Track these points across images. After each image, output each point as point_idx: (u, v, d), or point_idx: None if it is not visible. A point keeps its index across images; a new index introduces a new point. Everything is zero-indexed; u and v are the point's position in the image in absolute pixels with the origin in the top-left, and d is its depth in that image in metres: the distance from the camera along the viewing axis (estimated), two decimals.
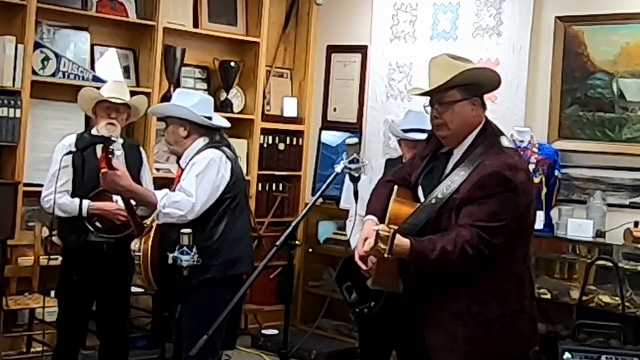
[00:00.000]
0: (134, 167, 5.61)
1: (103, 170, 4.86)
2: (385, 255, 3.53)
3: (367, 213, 4.08)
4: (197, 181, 4.91)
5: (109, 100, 5.49)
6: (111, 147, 4.82)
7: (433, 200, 3.82)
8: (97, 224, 5.39)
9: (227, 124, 5.35)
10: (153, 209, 4.95)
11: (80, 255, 5.44)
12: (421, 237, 3.73)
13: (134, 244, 5.12)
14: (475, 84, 3.91)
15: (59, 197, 5.35)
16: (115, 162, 4.90)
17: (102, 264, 5.42)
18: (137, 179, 5.56)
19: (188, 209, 4.88)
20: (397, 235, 3.59)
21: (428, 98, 3.98)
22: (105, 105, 5.49)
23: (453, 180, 3.81)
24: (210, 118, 5.17)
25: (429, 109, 3.96)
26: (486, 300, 3.81)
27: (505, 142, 3.93)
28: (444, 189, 3.82)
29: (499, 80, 3.99)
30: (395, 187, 4.02)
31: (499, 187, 3.72)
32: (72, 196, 5.37)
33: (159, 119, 7.06)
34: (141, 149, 5.88)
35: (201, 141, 5.09)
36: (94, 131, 5.44)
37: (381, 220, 3.94)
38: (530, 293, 3.97)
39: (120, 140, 5.00)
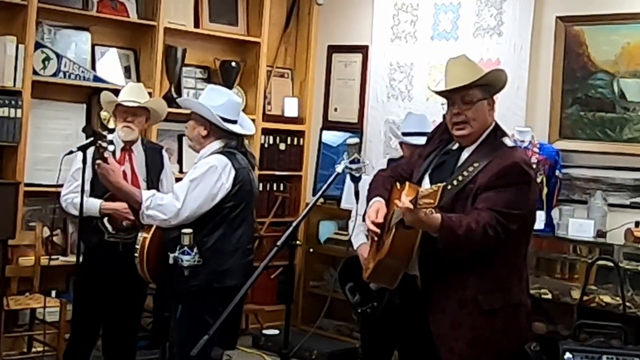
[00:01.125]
0: (154, 170, 5.65)
1: (97, 161, 4.88)
2: (429, 211, 3.65)
3: (369, 199, 4.13)
4: (190, 187, 4.81)
5: (122, 104, 5.53)
6: (99, 142, 4.84)
7: (449, 187, 3.90)
8: (109, 223, 5.41)
9: (251, 131, 5.21)
10: (139, 209, 4.89)
11: (98, 256, 5.49)
12: None
13: (137, 238, 5.13)
14: (491, 85, 4.08)
15: (75, 197, 5.38)
16: (109, 157, 4.90)
17: (117, 265, 5.42)
18: (157, 182, 5.59)
19: (172, 214, 4.79)
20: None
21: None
22: (122, 109, 5.58)
23: (468, 171, 3.95)
24: (234, 122, 5.05)
25: (445, 106, 4.09)
26: (491, 290, 3.93)
27: (508, 142, 4.08)
28: (459, 177, 3.95)
29: (507, 80, 4.18)
30: (397, 183, 4.09)
31: (517, 178, 3.88)
32: (90, 196, 5.39)
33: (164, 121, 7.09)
34: (164, 152, 5.89)
35: (216, 144, 5.00)
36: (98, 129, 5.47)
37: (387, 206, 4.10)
38: (527, 289, 4.15)
39: (110, 137, 5.01)
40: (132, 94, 5.62)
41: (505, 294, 3.96)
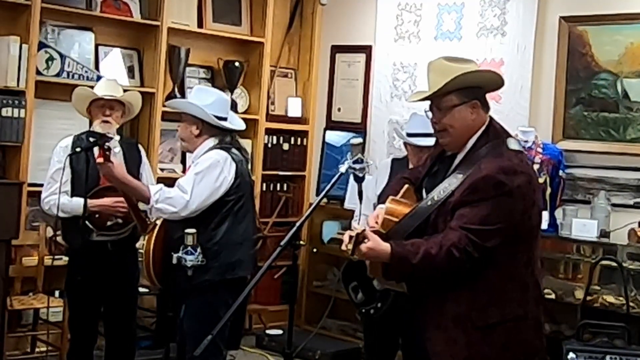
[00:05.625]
0: (133, 164, 5.61)
1: (99, 160, 4.88)
2: (349, 256, 3.59)
3: (379, 204, 4.09)
4: (196, 180, 4.91)
5: (103, 97, 5.47)
6: (107, 144, 4.84)
7: (429, 203, 3.78)
8: (97, 221, 5.38)
9: (242, 126, 5.34)
10: (147, 204, 4.95)
11: (86, 256, 5.42)
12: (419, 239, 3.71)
13: (139, 243, 5.14)
14: (474, 87, 3.85)
15: (60, 197, 5.34)
16: (113, 158, 4.91)
17: (107, 263, 5.41)
18: (137, 176, 5.57)
19: (181, 206, 4.87)
20: (377, 239, 3.63)
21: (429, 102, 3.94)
22: (100, 104, 5.48)
23: (450, 183, 3.76)
24: (225, 119, 5.14)
25: (429, 113, 3.91)
26: (486, 305, 3.75)
27: (512, 144, 3.84)
28: (440, 192, 3.78)
29: (501, 80, 3.94)
30: (406, 186, 4.01)
31: (491, 191, 3.66)
32: (72, 196, 5.37)
33: (164, 119, 7.09)
34: (139, 146, 5.87)
35: (211, 141, 5.09)
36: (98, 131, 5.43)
37: None
38: (535, 298, 3.88)
39: (117, 137, 5.00)
40: (109, 88, 5.57)
41: (504, 307, 3.76)
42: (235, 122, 5.28)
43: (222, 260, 4.98)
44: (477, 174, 3.69)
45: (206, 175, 4.93)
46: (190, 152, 5.21)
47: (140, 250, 5.08)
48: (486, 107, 3.90)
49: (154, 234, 5.08)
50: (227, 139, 5.13)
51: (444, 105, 3.82)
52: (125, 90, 5.68)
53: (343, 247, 3.74)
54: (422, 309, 3.92)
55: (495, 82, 3.94)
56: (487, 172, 3.68)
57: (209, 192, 4.93)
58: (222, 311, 4.74)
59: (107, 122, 5.42)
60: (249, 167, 5.27)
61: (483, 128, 3.85)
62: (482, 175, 3.68)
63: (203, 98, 5.14)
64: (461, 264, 3.65)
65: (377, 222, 3.87)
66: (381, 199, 4.07)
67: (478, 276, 3.72)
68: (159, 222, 5.12)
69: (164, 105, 7.08)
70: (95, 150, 5.03)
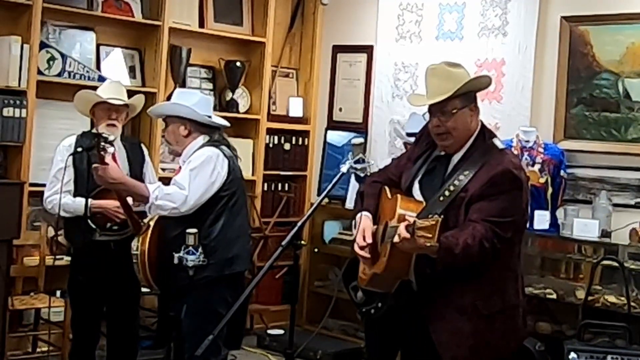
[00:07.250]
0: (137, 164, 5.64)
1: (94, 165, 4.89)
2: (429, 244, 3.54)
3: (358, 211, 4.11)
4: (192, 176, 4.93)
5: (108, 102, 5.49)
6: (102, 144, 4.84)
7: (441, 198, 3.89)
8: (100, 221, 5.38)
9: (227, 123, 5.38)
10: (145, 202, 4.96)
11: (88, 256, 5.44)
12: None
13: (133, 243, 5.13)
14: (472, 91, 4.04)
15: (62, 197, 5.34)
16: (108, 158, 4.91)
17: (110, 263, 5.41)
18: (140, 176, 5.58)
19: (181, 202, 4.89)
20: None
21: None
22: (105, 107, 5.49)
23: (459, 179, 3.90)
24: (209, 117, 5.20)
25: (427, 116, 4.07)
26: (489, 295, 3.93)
27: (498, 143, 4.05)
28: (450, 187, 3.90)
29: (490, 82, 4.17)
30: (386, 187, 4.07)
31: (509, 184, 3.85)
32: (75, 196, 5.38)
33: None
34: (142, 145, 5.90)
35: (200, 139, 5.12)
36: (95, 131, 5.43)
37: (374, 217, 4.06)
38: (522, 288, 4.13)
39: (112, 137, 5.01)
40: (114, 91, 5.57)
41: (503, 296, 3.96)
42: (219, 120, 5.32)
43: (220, 257, 5.00)
44: (494, 169, 3.87)
45: (201, 171, 4.95)
46: (178, 154, 5.21)
47: (135, 252, 5.06)
48: (478, 109, 4.11)
49: (148, 235, 5.08)
50: (215, 136, 5.17)
51: (448, 110, 3.96)
52: (127, 91, 5.69)
53: (397, 238, 3.62)
54: (426, 302, 4.01)
55: (485, 85, 4.17)
56: (504, 167, 3.87)
57: (205, 188, 4.95)
58: (220, 308, 4.81)
59: (113, 125, 5.45)
60: (238, 163, 5.28)
61: (479, 129, 4.04)
62: (499, 170, 3.86)
63: (188, 99, 5.19)
64: (489, 255, 3.80)
65: (365, 238, 3.99)
66: (355, 207, 4.14)
67: (482, 268, 3.87)
68: (152, 224, 5.12)
69: None
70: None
